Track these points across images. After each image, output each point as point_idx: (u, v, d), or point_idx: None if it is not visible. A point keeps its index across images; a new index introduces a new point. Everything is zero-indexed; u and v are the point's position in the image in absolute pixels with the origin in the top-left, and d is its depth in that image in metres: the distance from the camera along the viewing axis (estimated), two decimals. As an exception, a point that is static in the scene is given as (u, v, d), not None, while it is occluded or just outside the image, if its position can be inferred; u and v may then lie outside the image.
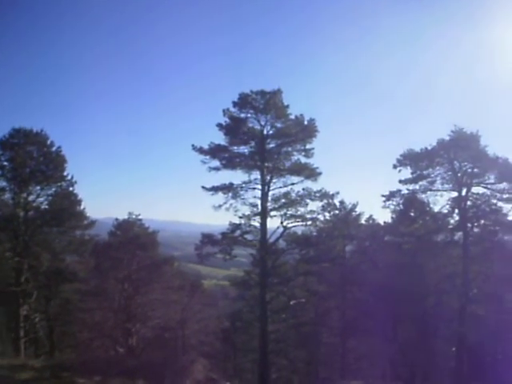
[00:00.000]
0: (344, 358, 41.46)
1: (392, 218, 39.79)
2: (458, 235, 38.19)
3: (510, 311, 38.00)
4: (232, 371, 44.52)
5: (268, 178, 35.07)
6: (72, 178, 37.60)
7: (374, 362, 41.32)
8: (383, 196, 38.07)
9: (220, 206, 34.99)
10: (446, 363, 39.19)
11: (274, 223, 35.62)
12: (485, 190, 37.26)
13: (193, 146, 35.57)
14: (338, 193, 35.78)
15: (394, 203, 38.37)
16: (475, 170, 36.97)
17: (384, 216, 45.80)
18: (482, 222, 37.70)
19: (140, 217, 40.49)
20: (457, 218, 37.73)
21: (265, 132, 35.22)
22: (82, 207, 38.36)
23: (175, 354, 35.58)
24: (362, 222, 41.67)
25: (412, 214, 39.03)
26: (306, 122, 34.90)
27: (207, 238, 35.64)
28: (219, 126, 35.64)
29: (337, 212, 40.07)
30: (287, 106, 35.24)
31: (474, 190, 37.43)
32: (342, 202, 40.23)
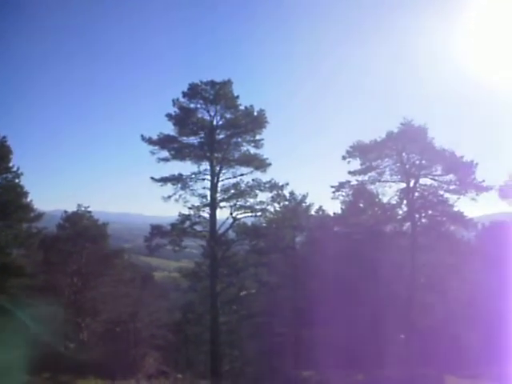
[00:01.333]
0: (296, 348, 41.85)
1: (341, 208, 40.50)
2: (406, 225, 39.12)
3: (456, 299, 39.18)
4: (184, 363, 44.39)
5: (217, 168, 35.23)
6: (18, 169, 36.46)
7: (326, 351, 41.85)
8: (332, 187, 38.52)
9: (169, 196, 34.98)
10: (395, 350, 39.98)
11: (223, 214, 35.80)
12: (432, 182, 38.24)
13: (142, 136, 35.37)
14: (287, 184, 36.09)
15: (344, 194, 38.98)
16: (423, 161, 37.79)
17: (334, 207, 46.22)
18: (430, 212, 38.63)
19: (89, 209, 40.07)
20: (405, 208, 38.56)
21: (214, 123, 35.33)
22: (28, 199, 37.33)
23: (126, 347, 35.27)
24: (312, 212, 42.17)
25: (361, 205, 39.73)
26: (255, 113, 35.10)
27: (156, 230, 35.48)
28: (168, 116, 35.52)
29: (286, 203, 40.30)
30: (237, 97, 35.39)
31: (422, 181, 38.35)
32: (291, 193, 40.62)
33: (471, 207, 39.16)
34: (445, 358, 35.55)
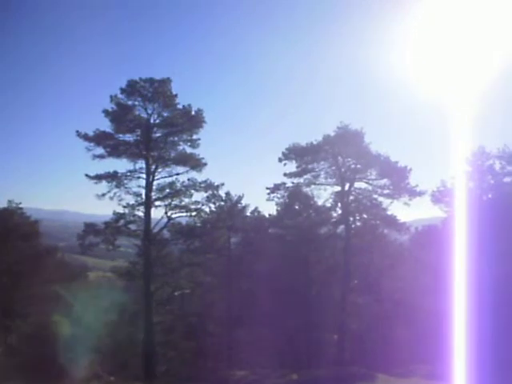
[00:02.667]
0: (231, 349, 42.16)
1: (277, 210, 41.01)
2: (341, 228, 40.09)
3: (389, 300, 40.37)
4: (118, 365, 43.97)
5: (153, 167, 35.10)
6: None
7: (260, 351, 42.33)
8: (268, 188, 39.21)
9: (104, 194, 34.66)
10: (329, 350, 40.84)
11: (158, 213, 35.77)
12: (367, 186, 39.42)
13: (77, 132, 34.95)
14: (223, 184, 36.36)
15: (279, 196, 39.67)
16: (358, 165, 38.86)
17: (270, 208, 46.74)
18: (364, 215, 39.77)
19: (22, 205, 39.28)
20: (339, 211, 39.55)
21: (151, 121, 35.21)
22: (-45, 194, 36.35)
23: (57, 350, 34.65)
24: (248, 214, 42.55)
25: (296, 207, 40.39)
26: (193, 113, 35.25)
27: (90, 228, 35.11)
28: (105, 112, 35.18)
29: (222, 203, 40.64)
30: (175, 96, 35.51)
31: (357, 185, 39.45)
32: (227, 194, 40.87)
33: (405, 211, 40.54)
34: (378, 357, 36.55)
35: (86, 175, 34.72)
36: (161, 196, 35.12)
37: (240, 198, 41.61)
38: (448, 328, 28.08)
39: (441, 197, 41.77)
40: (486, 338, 25.98)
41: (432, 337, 33.04)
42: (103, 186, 34.67)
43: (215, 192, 36.88)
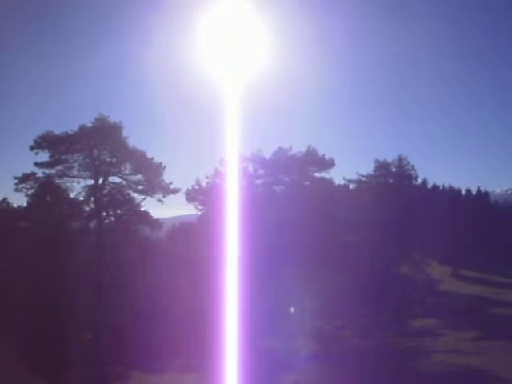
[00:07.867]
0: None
1: (28, 202, 40.89)
2: (94, 223, 41.49)
3: (143, 297, 42.84)
4: None
5: None
6: None
7: (10, 356, 41.55)
8: (16, 178, 39.03)
9: None
10: (82, 350, 41.69)
11: None
12: (121, 180, 41.50)
13: None
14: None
15: (28, 187, 39.62)
16: (113, 159, 40.77)
17: (20, 200, 45.85)
18: (118, 211, 41.76)
19: None
20: (92, 205, 40.97)
21: None
22: None
23: None
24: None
25: (48, 200, 40.84)
26: None
27: None
28: None
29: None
30: None
31: (111, 179, 41.36)
32: (-29, 183, 39.96)
33: (164, 208, 43.61)
34: (134, 354, 38.49)
35: None
36: None
37: (-13, 187, 40.64)
38: (204, 321, 31.51)
39: (195, 195, 46.16)
40: (245, 328, 28.59)
41: (187, 331, 36.30)
42: None
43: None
